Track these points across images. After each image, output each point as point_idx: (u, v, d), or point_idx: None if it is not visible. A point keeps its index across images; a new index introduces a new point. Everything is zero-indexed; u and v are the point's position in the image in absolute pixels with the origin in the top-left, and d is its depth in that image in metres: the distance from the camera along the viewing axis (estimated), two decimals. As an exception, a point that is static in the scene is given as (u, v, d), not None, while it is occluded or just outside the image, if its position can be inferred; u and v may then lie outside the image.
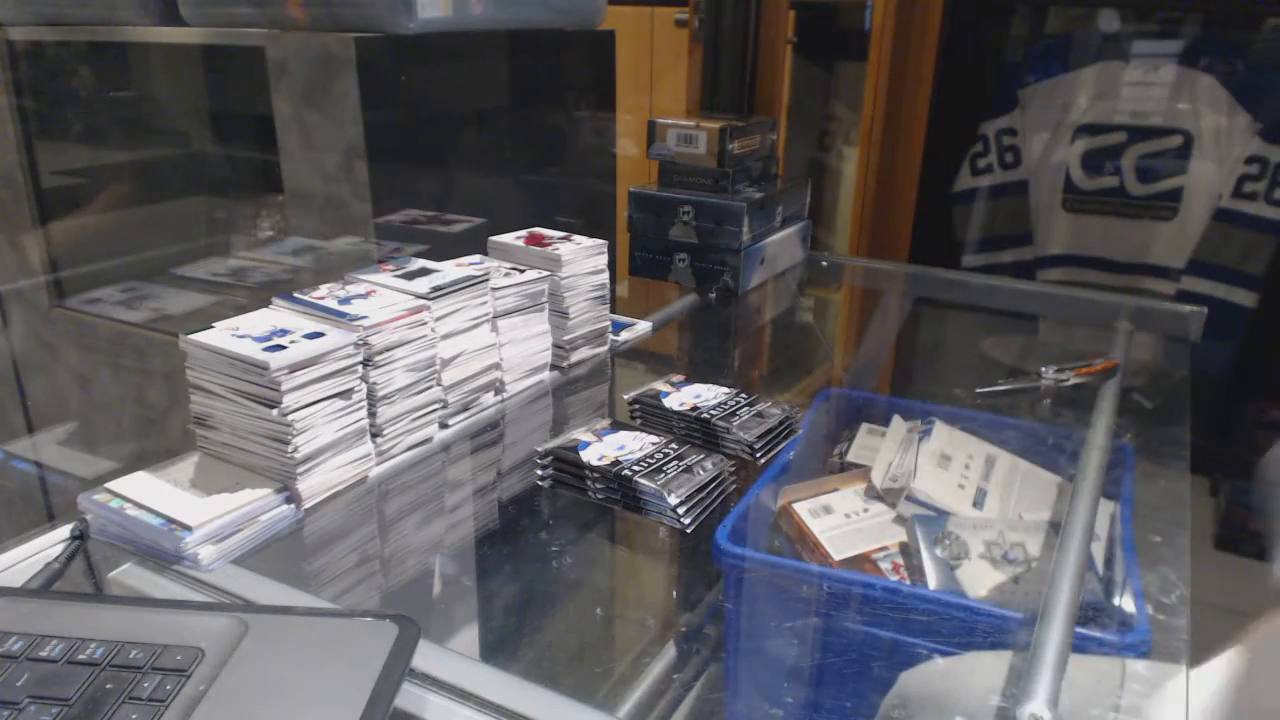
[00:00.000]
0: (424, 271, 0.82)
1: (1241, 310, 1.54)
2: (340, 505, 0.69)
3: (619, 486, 0.71)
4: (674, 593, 0.80)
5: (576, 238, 0.95)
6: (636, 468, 0.72)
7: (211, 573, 0.60)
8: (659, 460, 0.74)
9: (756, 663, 0.67)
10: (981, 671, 0.56)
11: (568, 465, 0.74)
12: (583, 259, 0.93)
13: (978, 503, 0.75)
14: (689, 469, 0.73)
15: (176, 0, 1.14)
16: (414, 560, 0.70)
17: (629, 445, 0.76)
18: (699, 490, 0.71)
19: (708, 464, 0.74)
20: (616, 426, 0.80)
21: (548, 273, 0.89)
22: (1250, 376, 1.57)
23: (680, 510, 0.68)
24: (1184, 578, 0.63)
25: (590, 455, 0.74)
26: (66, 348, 1.45)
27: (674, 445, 0.77)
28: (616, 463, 0.73)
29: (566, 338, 0.93)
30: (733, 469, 0.75)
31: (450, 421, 0.81)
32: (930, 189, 1.66)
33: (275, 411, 0.64)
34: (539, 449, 0.76)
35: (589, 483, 0.73)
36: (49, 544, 0.63)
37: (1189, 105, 1.52)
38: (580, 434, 0.78)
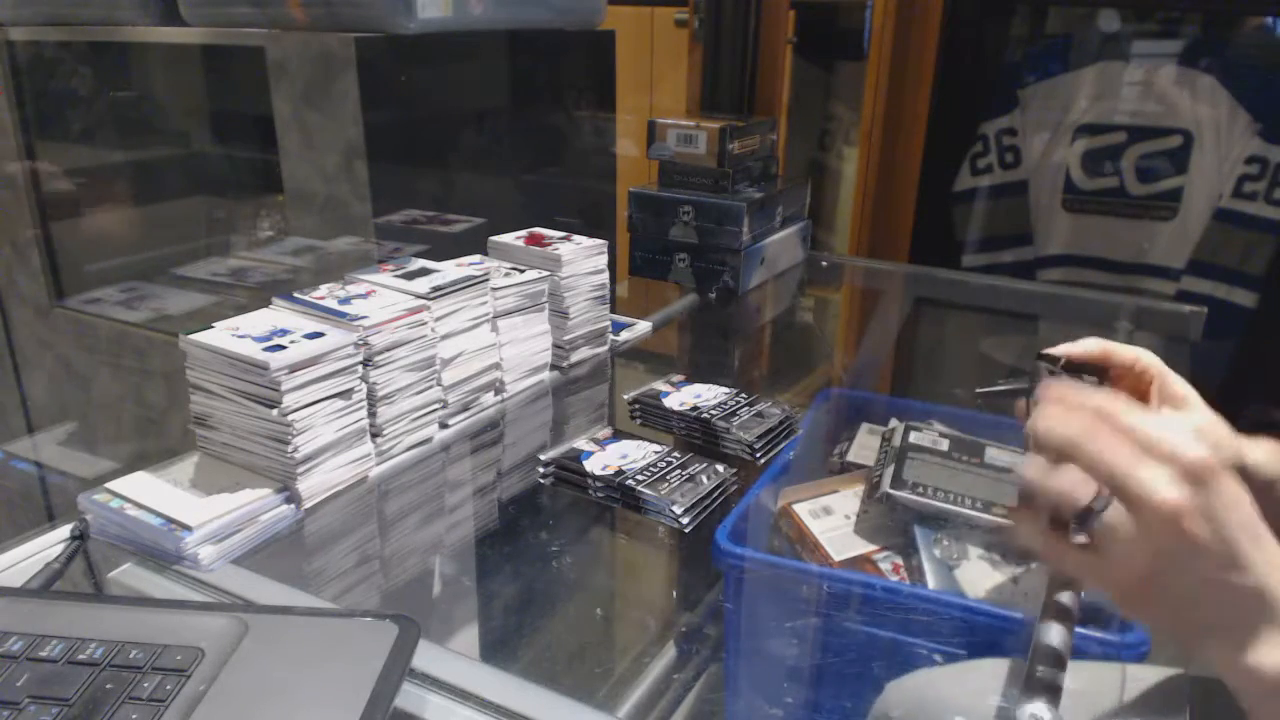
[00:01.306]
0: (424, 271, 0.82)
1: (1241, 310, 1.53)
2: (340, 505, 0.69)
3: (622, 496, 0.72)
4: (674, 593, 0.80)
5: (576, 238, 0.95)
6: (640, 477, 0.72)
7: (211, 573, 0.60)
8: (662, 469, 0.74)
9: (756, 663, 0.67)
10: (969, 680, 0.56)
11: (571, 476, 0.74)
12: (583, 259, 0.93)
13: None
14: (692, 478, 0.73)
15: (176, 0, 1.14)
16: (414, 560, 0.70)
17: (631, 454, 0.76)
18: (703, 499, 0.71)
19: (711, 473, 0.74)
20: (618, 435, 0.80)
21: (548, 273, 0.89)
22: (1250, 376, 1.57)
23: (685, 521, 0.69)
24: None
25: (593, 465, 0.74)
26: (66, 348, 1.45)
27: (676, 454, 0.77)
28: (620, 472, 0.73)
29: (566, 338, 0.93)
30: (734, 472, 0.75)
31: (450, 421, 0.81)
32: (930, 189, 1.66)
33: (275, 411, 0.64)
34: (541, 458, 0.76)
35: (592, 493, 0.73)
36: (49, 544, 0.63)
37: (1189, 105, 1.52)
38: (582, 443, 0.78)
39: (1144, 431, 0.42)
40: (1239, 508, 0.41)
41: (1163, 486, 0.41)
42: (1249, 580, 0.40)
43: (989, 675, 0.55)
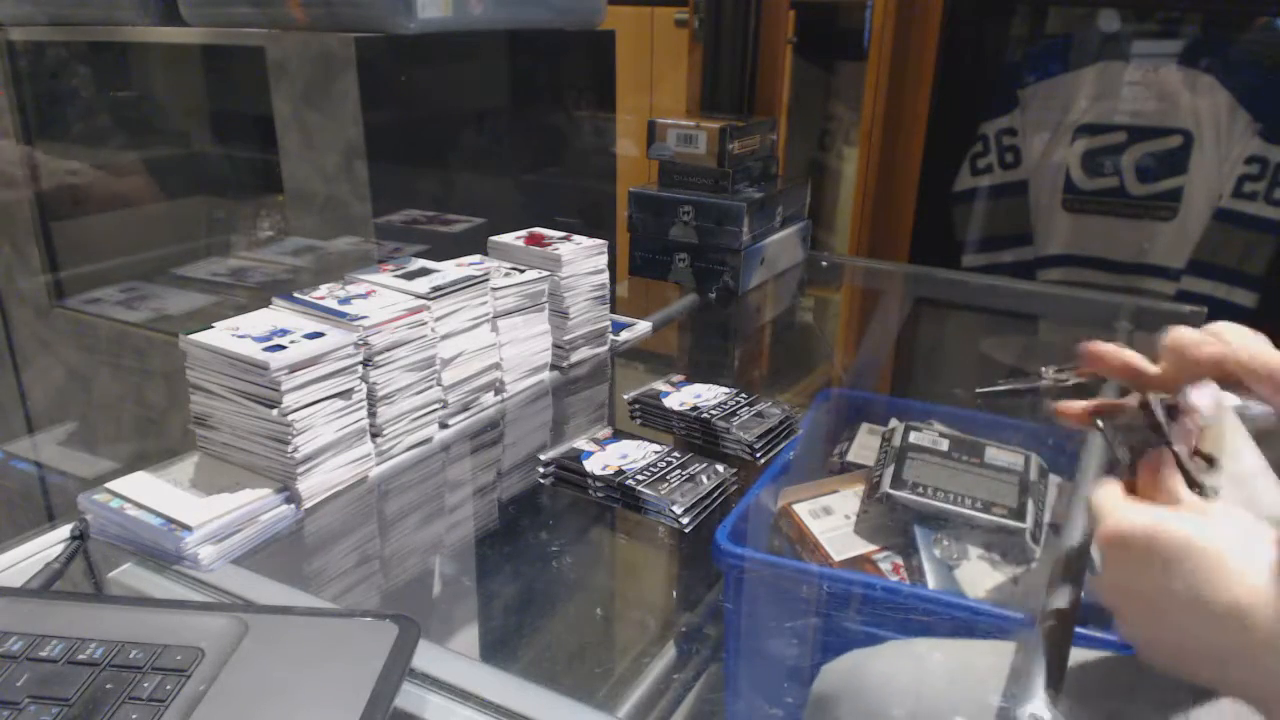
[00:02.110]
0: (424, 271, 0.82)
1: (1241, 310, 1.53)
2: (340, 505, 0.69)
3: (622, 496, 0.72)
4: (674, 593, 0.80)
5: (576, 238, 0.95)
6: (640, 477, 0.72)
7: (211, 573, 0.60)
8: (662, 469, 0.74)
9: (756, 663, 0.67)
10: (903, 660, 0.55)
11: (571, 476, 0.74)
12: (583, 259, 0.93)
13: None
14: (692, 478, 0.73)
15: (176, 0, 1.14)
16: (414, 560, 0.70)
17: (631, 454, 0.76)
18: (703, 499, 0.71)
19: (711, 473, 0.74)
20: (618, 435, 0.80)
21: (548, 273, 0.89)
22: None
23: (685, 521, 0.69)
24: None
25: (593, 465, 0.74)
26: (66, 348, 1.45)
27: (676, 454, 0.77)
28: (620, 472, 0.73)
29: (566, 338, 0.93)
30: (734, 472, 0.75)
31: (450, 421, 0.81)
32: (930, 189, 1.66)
33: (275, 411, 0.64)
34: (541, 458, 0.76)
35: (592, 493, 0.73)
36: (49, 544, 0.62)
37: (1189, 105, 1.52)
38: (582, 443, 0.78)
39: None
40: None
41: None
42: None
43: (924, 655, 0.55)
